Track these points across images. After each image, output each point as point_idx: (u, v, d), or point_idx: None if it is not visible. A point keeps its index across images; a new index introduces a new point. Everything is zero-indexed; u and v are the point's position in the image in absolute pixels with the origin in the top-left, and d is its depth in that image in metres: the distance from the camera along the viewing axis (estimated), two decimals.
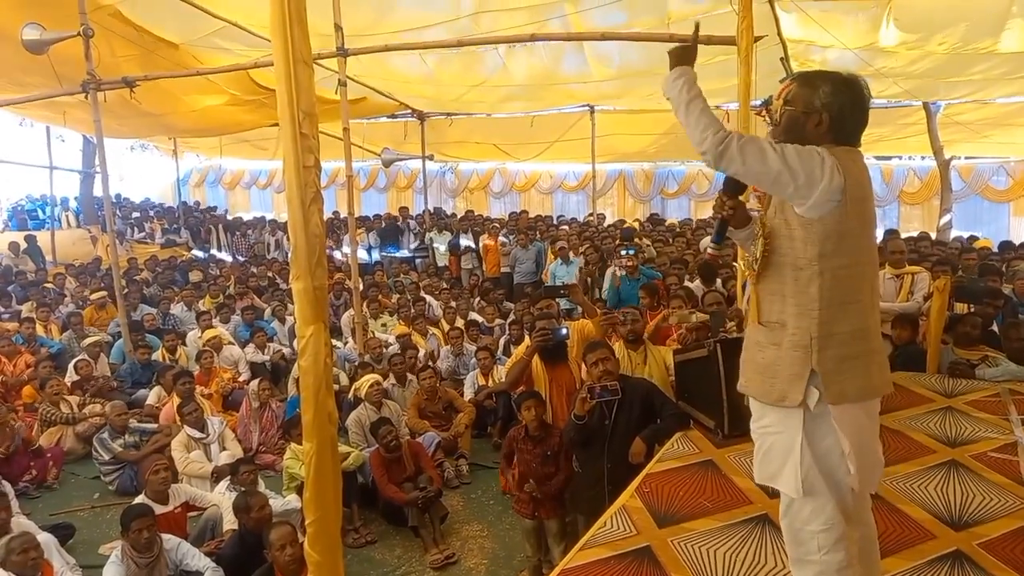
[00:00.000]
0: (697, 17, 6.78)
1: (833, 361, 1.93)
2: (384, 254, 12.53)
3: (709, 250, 2.34)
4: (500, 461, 4.52)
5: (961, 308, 5.71)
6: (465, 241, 12.02)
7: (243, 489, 4.77)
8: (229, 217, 17.90)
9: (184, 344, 7.91)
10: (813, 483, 1.95)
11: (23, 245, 12.83)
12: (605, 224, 13.66)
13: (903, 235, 9.37)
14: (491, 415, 6.34)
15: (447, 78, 9.86)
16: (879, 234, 11.23)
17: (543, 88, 10.38)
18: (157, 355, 7.62)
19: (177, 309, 9.32)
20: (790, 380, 1.95)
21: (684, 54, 2.04)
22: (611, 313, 4.71)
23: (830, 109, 1.95)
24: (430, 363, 6.94)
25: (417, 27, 7.86)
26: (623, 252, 7.52)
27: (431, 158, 13.53)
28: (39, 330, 8.36)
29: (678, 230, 12.49)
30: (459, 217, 14.54)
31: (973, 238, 11.84)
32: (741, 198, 2.14)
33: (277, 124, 2.15)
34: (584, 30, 7.60)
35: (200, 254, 15.00)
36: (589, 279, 8.57)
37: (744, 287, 2.24)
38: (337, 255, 12.19)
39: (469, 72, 9.59)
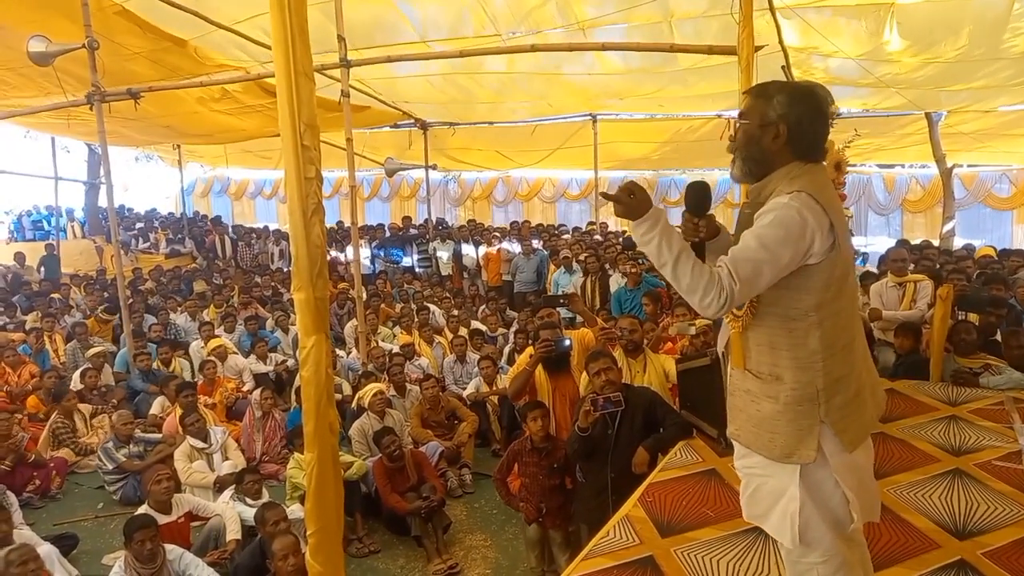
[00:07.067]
0: (697, 22, 6.78)
1: (841, 408, 1.82)
2: (388, 263, 12.55)
3: None
4: (497, 473, 4.34)
5: (975, 319, 5.68)
6: (468, 250, 12.04)
7: (247, 498, 4.79)
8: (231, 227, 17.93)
9: (186, 354, 7.91)
10: (810, 531, 1.84)
11: (43, 253, 13.10)
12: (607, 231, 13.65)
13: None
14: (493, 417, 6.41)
15: (448, 68, 9.78)
16: (890, 243, 11.21)
17: (547, 83, 10.25)
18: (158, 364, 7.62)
19: (181, 319, 9.34)
20: (797, 436, 1.81)
21: (640, 203, 1.78)
22: (608, 328, 4.66)
23: (787, 120, 1.81)
24: (432, 373, 6.95)
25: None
26: (641, 260, 7.35)
27: (434, 167, 13.57)
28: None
29: None
30: (459, 227, 14.54)
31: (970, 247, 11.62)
32: (710, 212, 2.03)
33: (279, 134, 2.16)
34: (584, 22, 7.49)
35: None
36: (589, 288, 8.56)
37: (718, 323, 2.12)
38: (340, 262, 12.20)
39: (471, 61, 9.46)
